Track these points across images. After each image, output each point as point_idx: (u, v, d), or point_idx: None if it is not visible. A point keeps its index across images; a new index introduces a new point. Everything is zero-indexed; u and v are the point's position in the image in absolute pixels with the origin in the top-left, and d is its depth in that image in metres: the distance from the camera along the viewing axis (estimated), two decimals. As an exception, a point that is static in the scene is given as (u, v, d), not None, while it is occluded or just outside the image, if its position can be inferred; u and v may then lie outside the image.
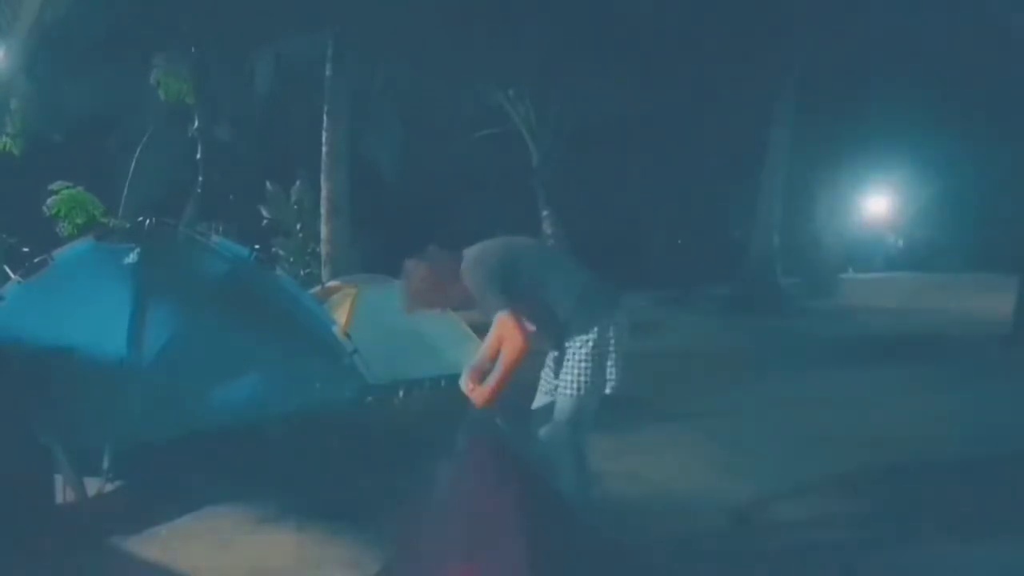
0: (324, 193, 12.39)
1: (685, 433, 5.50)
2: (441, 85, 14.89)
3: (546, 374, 3.32)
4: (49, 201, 12.70)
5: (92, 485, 4.01)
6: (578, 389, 3.13)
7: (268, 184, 14.83)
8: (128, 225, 5.82)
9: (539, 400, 3.31)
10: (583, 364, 3.14)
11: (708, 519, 3.79)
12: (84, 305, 4.56)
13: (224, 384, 4.70)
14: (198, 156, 14.63)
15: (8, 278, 4.90)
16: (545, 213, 16.03)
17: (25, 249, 10.49)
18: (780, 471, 4.53)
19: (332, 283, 8.55)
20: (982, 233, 18.40)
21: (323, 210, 12.39)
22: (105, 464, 4.10)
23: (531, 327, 3.05)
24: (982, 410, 6.06)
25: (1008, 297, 9.81)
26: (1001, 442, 5.03)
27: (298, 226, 14.38)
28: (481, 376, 3.07)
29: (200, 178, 14.67)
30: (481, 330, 3.32)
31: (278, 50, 14.80)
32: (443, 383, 6.44)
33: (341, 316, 6.71)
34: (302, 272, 13.03)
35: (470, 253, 3.17)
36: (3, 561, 3.25)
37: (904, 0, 14.22)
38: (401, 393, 6.55)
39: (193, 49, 14.14)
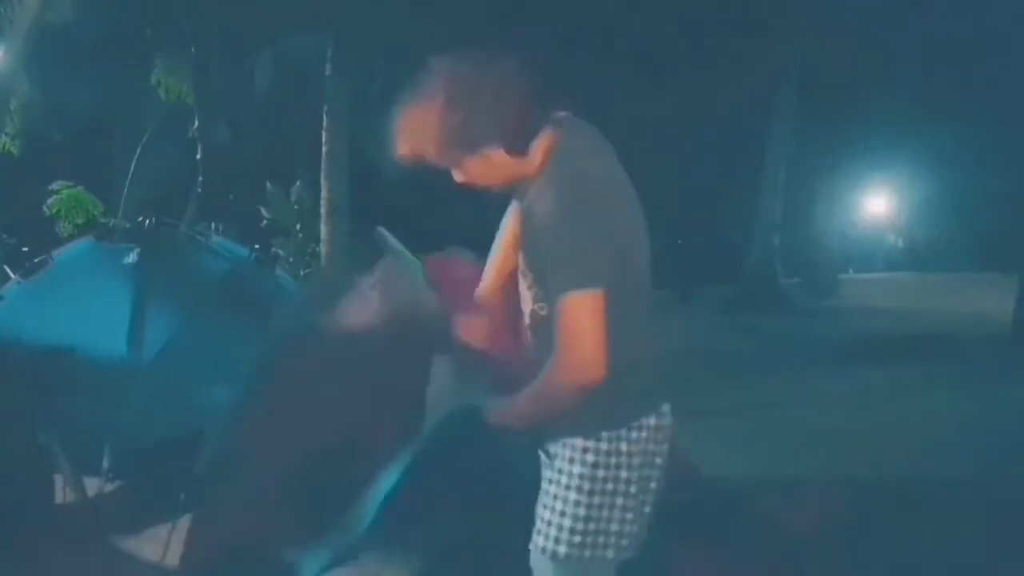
0: (324, 193, 12.39)
1: (684, 432, 5.49)
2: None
3: None
4: (49, 201, 12.72)
5: (92, 485, 4.01)
6: (557, 542, 1.74)
7: (268, 184, 14.84)
8: (128, 225, 5.81)
9: None
10: (575, 494, 1.72)
11: (708, 518, 3.79)
12: (84, 305, 4.55)
13: (224, 384, 4.69)
14: (198, 156, 14.63)
15: (8, 278, 4.89)
16: (545, 213, 16.02)
17: (25, 249, 10.49)
18: (779, 470, 4.53)
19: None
20: (982, 233, 18.41)
21: (323, 210, 12.40)
22: (105, 464, 4.10)
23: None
24: (981, 410, 6.06)
25: (1008, 297, 9.82)
26: (1000, 442, 5.04)
27: (298, 226, 14.39)
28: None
29: (200, 178, 14.67)
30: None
31: (278, 50, 14.80)
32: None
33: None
34: (302, 272, 13.03)
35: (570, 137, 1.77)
36: (3, 561, 3.25)
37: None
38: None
39: (193, 49, 14.14)
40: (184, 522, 3.80)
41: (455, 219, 16.10)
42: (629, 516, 1.74)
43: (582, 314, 1.59)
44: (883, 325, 11.45)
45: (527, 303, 1.78)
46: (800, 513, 3.89)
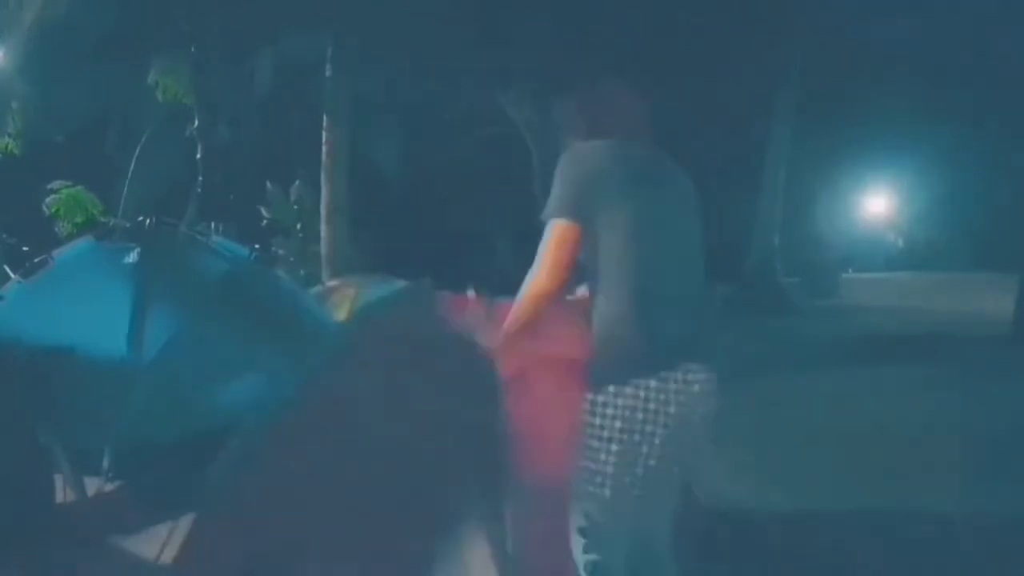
0: (324, 193, 12.40)
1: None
2: (441, 85, 14.89)
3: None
4: (49, 200, 12.72)
5: (92, 485, 4.01)
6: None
7: (268, 184, 14.84)
8: (128, 225, 5.81)
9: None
10: (607, 431, 1.91)
11: (709, 518, 3.79)
12: (84, 305, 4.55)
13: (224, 384, 4.69)
14: (198, 156, 14.64)
15: (8, 278, 4.89)
16: (546, 213, 16.01)
17: (25, 249, 10.49)
18: (779, 470, 4.54)
19: (332, 283, 8.55)
20: (982, 233, 18.42)
21: (323, 210, 12.40)
22: (105, 464, 4.10)
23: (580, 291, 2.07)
24: (982, 410, 6.06)
25: (1008, 297, 9.81)
26: (1000, 443, 5.03)
27: (298, 226, 14.40)
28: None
29: (200, 178, 14.68)
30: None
31: (278, 50, 14.81)
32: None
33: (341, 316, 6.69)
34: (302, 272, 13.04)
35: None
36: (3, 561, 3.25)
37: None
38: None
39: (193, 49, 14.14)
40: (185, 523, 3.81)
41: (453, 218, 16.16)
42: (644, 461, 1.91)
43: (548, 238, 1.99)
44: (883, 325, 11.44)
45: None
46: (800, 512, 3.89)
